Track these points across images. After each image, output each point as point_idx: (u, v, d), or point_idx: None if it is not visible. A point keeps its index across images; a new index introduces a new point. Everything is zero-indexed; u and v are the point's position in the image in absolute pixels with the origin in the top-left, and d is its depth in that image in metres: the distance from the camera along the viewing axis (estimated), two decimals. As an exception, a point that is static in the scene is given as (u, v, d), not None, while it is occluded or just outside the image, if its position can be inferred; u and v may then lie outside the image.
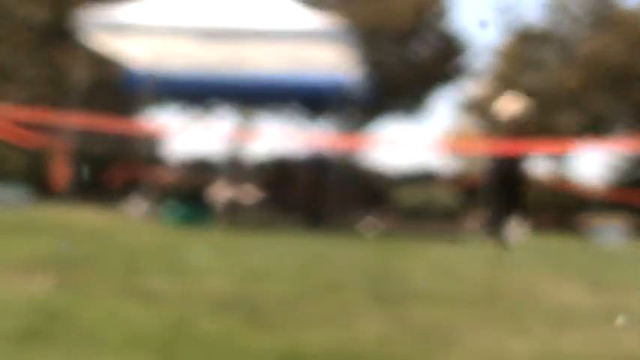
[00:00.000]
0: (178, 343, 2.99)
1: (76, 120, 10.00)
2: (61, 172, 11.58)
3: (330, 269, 5.79)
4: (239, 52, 11.31)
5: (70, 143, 11.37)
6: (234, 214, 11.06)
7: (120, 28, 10.47)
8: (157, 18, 10.45)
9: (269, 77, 12.26)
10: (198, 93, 14.33)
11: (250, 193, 11.65)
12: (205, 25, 10.35)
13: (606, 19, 17.13)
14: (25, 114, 9.88)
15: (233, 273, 5.07)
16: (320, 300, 4.19)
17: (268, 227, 10.41)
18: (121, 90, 13.37)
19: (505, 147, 8.99)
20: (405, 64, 18.70)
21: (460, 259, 7.46)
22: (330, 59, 10.92)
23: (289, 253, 6.84)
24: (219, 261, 5.76)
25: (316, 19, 10.55)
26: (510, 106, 9.30)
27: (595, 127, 16.00)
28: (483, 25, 17.40)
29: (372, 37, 16.20)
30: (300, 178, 12.21)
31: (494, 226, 9.29)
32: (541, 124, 15.75)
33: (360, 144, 15.44)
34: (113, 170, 13.51)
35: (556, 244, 10.77)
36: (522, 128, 9.19)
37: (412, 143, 15.76)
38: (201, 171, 13.36)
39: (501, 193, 9.27)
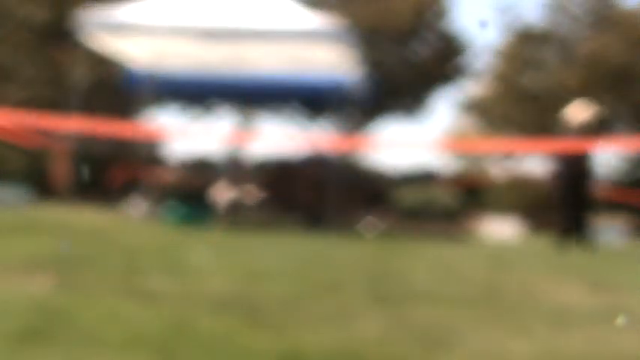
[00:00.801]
0: (178, 343, 2.99)
1: (76, 122, 10.00)
2: (62, 173, 11.58)
3: (330, 269, 5.79)
4: (239, 52, 11.31)
5: (69, 143, 11.37)
6: (235, 214, 11.06)
7: (120, 28, 10.48)
8: (157, 18, 10.45)
9: (269, 77, 12.26)
10: (198, 93, 14.33)
11: (251, 194, 11.65)
12: (205, 25, 10.35)
13: (606, 19, 17.13)
14: (26, 115, 9.89)
15: (233, 273, 5.07)
16: (320, 300, 4.19)
17: (268, 227, 10.41)
18: (121, 90, 13.37)
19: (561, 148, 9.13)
20: (405, 64, 18.71)
21: (460, 259, 7.46)
22: (330, 59, 10.92)
23: (289, 253, 6.84)
24: (219, 261, 5.76)
25: (316, 19, 10.55)
26: (580, 113, 9.50)
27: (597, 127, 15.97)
28: (483, 25, 17.40)
29: (372, 37, 16.21)
30: (301, 179, 12.21)
31: (569, 230, 9.42)
32: (541, 125, 15.78)
33: (360, 145, 15.44)
34: (113, 170, 13.52)
35: (556, 244, 10.75)
36: (591, 135, 9.40)
37: (412, 145, 15.77)
38: (202, 171, 13.36)
39: (572, 195, 9.43)
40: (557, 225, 9.64)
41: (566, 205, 9.54)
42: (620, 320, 3.75)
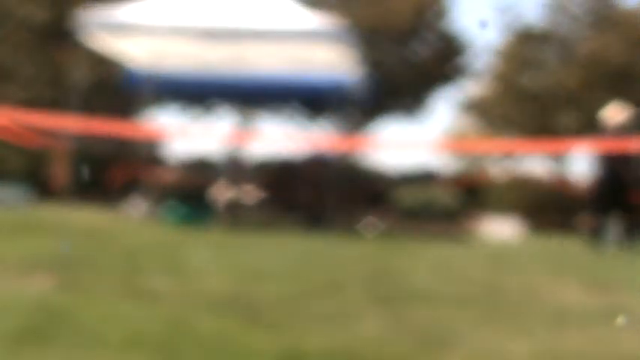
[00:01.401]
0: (178, 343, 2.99)
1: (76, 122, 10.00)
2: (62, 173, 11.58)
3: (330, 269, 5.79)
4: (239, 52, 11.31)
5: (69, 143, 11.36)
6: (235, 214, 11.06)
7: (120, 28, 10.47)
8: (157, 18, 10.45)
9: (269, 77, 12.25)
10: (198, 93, 14.33)
11: (251, 194, 11.65)
12: (205, 25, 10.35)
13: (606, 19, 17.13)
14: (26, 115, 9.88)
15: (233, 273, 5.07)
16: (320, 300, 4.19)
17: (268, 227, 10.41)
18: (121, 90, 13.37)
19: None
20: (405, 64, 18.70)
21: (460, 259, 7.46)
22: (330, 59, 10.91)
23: (289, 253, 6.84)
24: (219, 261, 5.76)
25: (316, 19, 10.55)
26: (616, 115, 9.66)
27: (595, 127, 15.98)
28: (483, 25, 17.36)
29: (372, 37, 16.20)
30: (301, 178, 12.21)
31: (604, 231, 9.51)
32: (541, 125, 15.78)
33: (360, 145, 15.44)
34: (113, 170, 13.51)
35: (556, 244, 10.77)
36: (627, 136, 9.52)
37: (412, 145, 15.77)
38: (201, 171, 13.35)
39: (611, 196, 9.54)
40: (590, 225, 9.76)
41: (603, 206, 9.64)
42: (620, 320, 3.74)
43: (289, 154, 13.54)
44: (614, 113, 9.77)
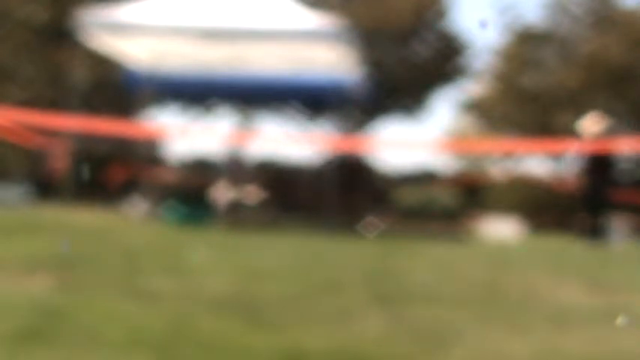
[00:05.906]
0: (178, 343, 2.99)
1: (76, 122, 9.99)
2: (58, 167, 11.58)
3: (330, 269, 5.79)
4: (239, 52, 11.31)
5: (69, 143, 11.36)
6: (235, 214, 11.05)
7: (120, 28, 10.48)
8: (157, 18, 10.45)
9: (269, 77, 12.26)
10: (198, 93, 14.33)
11: (252, 194, 11.65)
12: (205, 25, 10.35)
13: (606, 19, 17.13)
14: (26, 115, 9.88)
15: (233, 273, 5.07)
16: (320, 300, 4.19)
17: (269, 227, 10.41)
18: (121, 90, 13.37)
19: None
20: (405, 64, 18.70)
21: (460, 259, 7.46)
22: (330, 59, 10.92)
23: (289, 253, 6.84)
24: (219, 261, 5.76)
25: (316, 19, 10.55)
26: (592, 127, 10.31)
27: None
28: (483, 25, 17.36)
29: (372, 37, 16.20)
30: (301, 179, 12.21)
31: (597, 230, 9.89)
32: (541, 125, 15.81)
33: (360, 145, 15.44)
34: (113, 170, 13.51)
35: (556, 244, 10.77)
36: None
37: (412, 145, 15.77)
38: (202, 171, 13.35)
39: (599, 195, 9.91)
40: (583, 225, 10.01)
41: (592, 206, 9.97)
42: (620, 320, 3.75)
43: (289, 155, 13.53)
44: (590, 124, 10.11)
